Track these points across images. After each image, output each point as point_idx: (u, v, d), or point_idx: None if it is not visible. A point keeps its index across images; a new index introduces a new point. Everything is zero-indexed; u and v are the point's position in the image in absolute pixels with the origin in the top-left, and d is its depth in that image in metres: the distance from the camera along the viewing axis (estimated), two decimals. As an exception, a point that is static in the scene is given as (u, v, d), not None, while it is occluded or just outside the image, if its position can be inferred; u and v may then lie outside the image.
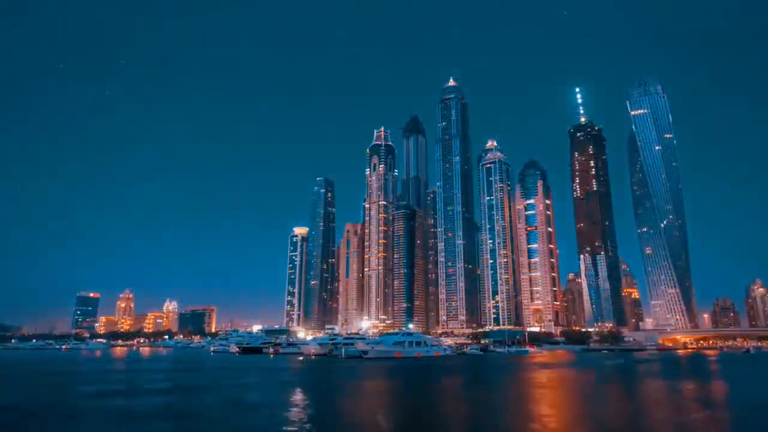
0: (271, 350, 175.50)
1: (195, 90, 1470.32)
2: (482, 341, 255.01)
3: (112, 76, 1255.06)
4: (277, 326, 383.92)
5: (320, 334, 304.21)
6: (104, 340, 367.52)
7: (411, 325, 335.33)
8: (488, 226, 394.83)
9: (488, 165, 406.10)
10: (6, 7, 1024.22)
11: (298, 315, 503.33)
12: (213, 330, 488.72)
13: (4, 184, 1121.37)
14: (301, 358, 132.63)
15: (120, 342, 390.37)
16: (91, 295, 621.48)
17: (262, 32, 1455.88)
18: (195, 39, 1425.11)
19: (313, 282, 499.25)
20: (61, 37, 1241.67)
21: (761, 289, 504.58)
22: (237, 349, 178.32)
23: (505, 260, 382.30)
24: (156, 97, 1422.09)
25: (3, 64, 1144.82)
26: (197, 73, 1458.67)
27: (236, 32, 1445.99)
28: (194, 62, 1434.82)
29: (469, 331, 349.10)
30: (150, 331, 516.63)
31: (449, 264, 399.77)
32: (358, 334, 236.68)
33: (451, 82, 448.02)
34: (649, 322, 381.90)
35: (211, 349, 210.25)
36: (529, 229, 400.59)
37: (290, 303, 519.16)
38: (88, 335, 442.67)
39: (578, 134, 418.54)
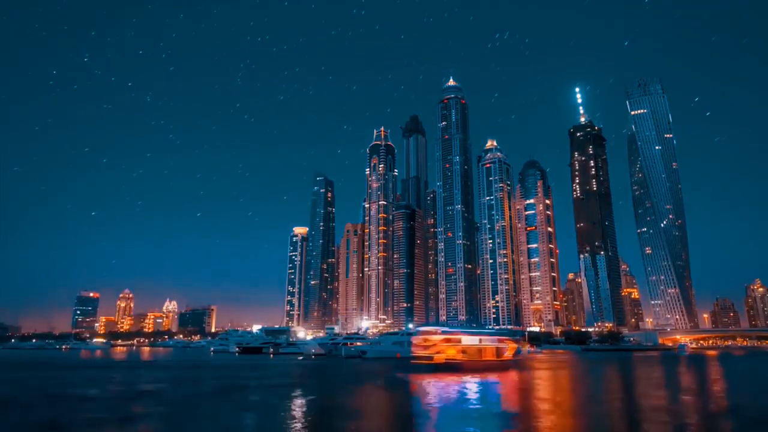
0: (271, 350, 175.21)
1: (192, 89, 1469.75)
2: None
3: (132, 69, 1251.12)
4: (277, 326, 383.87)
5: (320, 334, 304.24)
6: (104, 340, 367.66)
7: (411, 325, 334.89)
8: (488, 226, 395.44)
9: (488, 165, 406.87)
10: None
11: (298, 315, 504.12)
12: (213, 330, 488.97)
13: (4, 183, 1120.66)
14: (301, 357, 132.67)
15: (120, 342, 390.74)
16: (91, 295, 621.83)
17: (261, 30, 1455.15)
18: (197, 40, 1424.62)
19: (313, 282, 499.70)
20: (85, 29, 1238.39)
21: (761, 289, 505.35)
22: (237, 349, 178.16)
23: (505, 260, 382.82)
24: (154, 94, 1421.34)
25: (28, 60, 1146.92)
26: (196, 73, 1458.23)
27: (235, 29, 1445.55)
28: (195, 62, 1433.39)
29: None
30: (150, 330, 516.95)
31: (449, 264, 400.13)
32: (358, 334, 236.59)
33: (451, 82, 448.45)
34: (648, 322, 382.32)
35: (211, 349, 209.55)
36: (529, 229, 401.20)
37: (290, 303, 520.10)
38: (88, 335, 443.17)
39: (578, 134, 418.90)
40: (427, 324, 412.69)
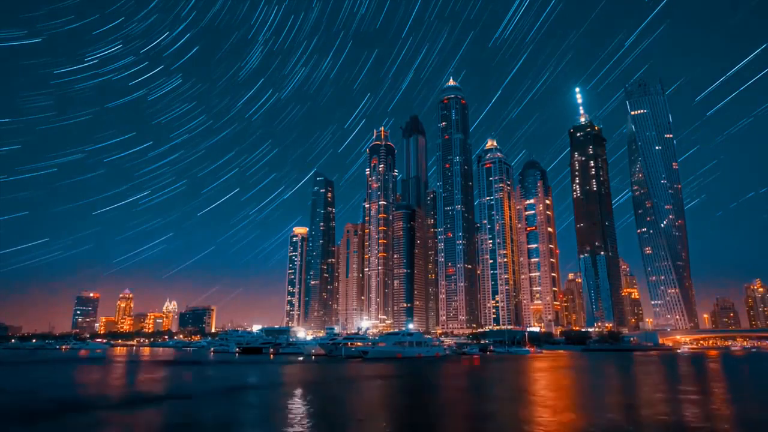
0: (271, 350, 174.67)
1: (194, 87, 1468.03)
2: (482, 341, 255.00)
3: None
4: (277, 326, 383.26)
5: (320, 334, 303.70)
6: (104, 340, 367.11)
7: (411, 325, 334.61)
8: (488, 226, 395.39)
9: (488, 165, 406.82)
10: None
11: (298, 315, 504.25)
12: (213, 330, 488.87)
13: (3, 182, 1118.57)
14: (301, 358, 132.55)
15: (120, 342, 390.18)
16: (91, 295, 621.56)
17: (265, 25, 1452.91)
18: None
19: (313, 282, 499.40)
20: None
21: (761, 289, 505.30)
22: (237, 350, 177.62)
23: (505, 260, 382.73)
24: (157, 91, 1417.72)
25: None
26: (197, 71, 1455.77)
27: (242, 23, 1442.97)
28: (199, 61, 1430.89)
29: (469, 331, 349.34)
30: (150, 331, 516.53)
31: (449, 264, 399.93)
32: (358, 334, 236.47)
33: (451, 82, 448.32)
34: (648, 322, 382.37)
35: (211, 350, 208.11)
36: (529, 229, 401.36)
37: (290, 303, 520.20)
38: (88, 335, 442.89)
39: (578, 134, 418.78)
40: (427, 324, 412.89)
